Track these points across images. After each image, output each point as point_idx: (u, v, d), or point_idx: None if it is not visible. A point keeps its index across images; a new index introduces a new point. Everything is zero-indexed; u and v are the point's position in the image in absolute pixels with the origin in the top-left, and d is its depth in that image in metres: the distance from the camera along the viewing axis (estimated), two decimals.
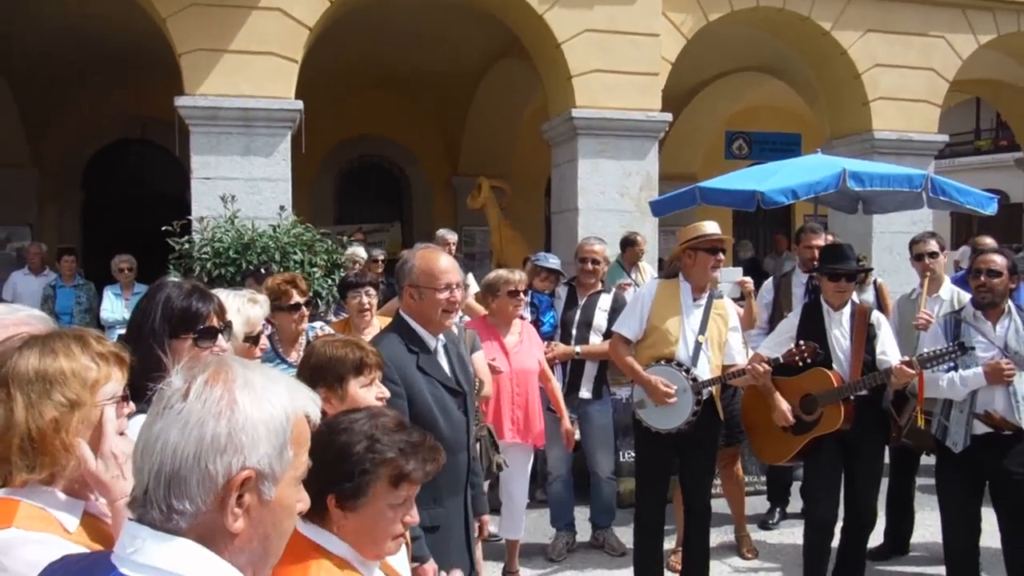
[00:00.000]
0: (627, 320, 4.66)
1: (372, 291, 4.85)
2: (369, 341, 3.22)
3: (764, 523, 6.09)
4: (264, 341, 3.16)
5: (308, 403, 1.25)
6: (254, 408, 1.17)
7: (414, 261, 3.11)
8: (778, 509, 6.18)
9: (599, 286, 5.72)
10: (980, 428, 4.21)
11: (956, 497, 4.37)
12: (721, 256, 4.54)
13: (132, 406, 1.79)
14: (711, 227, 4.54)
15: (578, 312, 5.58)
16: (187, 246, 7.37)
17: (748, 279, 6.20)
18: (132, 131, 13.38)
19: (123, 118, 13.13)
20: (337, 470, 1.79)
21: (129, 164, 13.70)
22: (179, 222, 7.40)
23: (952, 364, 4.26)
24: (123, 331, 2.95)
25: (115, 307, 8.53)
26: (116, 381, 1.68)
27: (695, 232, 4.54)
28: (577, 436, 5.73)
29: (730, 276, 6.49)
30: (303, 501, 1.28)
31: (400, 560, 2.13)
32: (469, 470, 3.22)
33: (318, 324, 4.85)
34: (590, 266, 5.60)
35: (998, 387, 4.15)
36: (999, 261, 4.26)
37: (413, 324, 3.10)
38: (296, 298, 4.20)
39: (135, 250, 9.07)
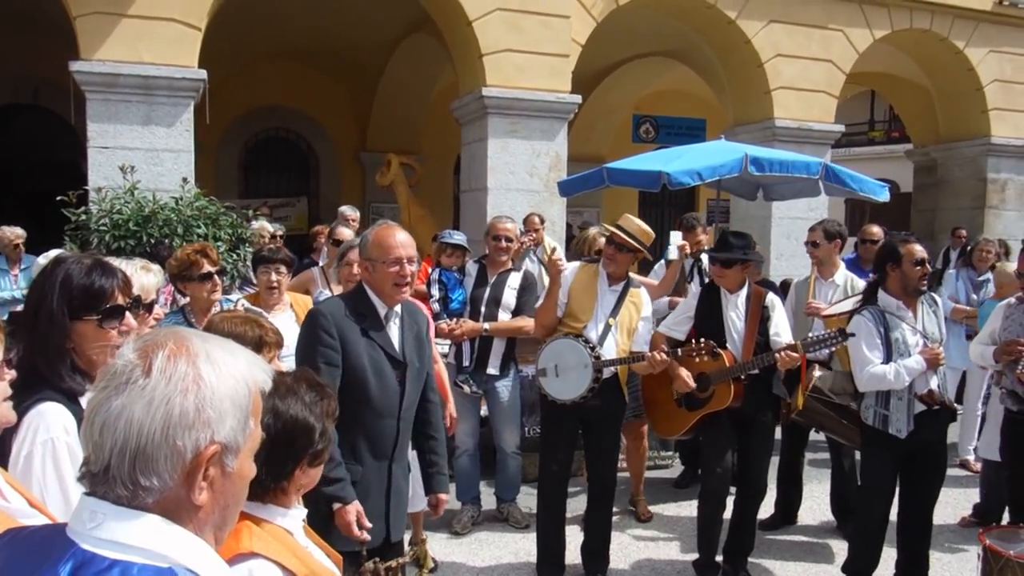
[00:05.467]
0: None
1: (283, 268, 4.74)
2: (323, 301, 3.34)
3: (678, 483, 6.52)
4: (158, 310, 3.10)
5: (264, 376, 1.26)
6: (220, 383, 1.16)
7: (370, 236, 3.26)
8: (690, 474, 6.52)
9: (509, 264, 5.79)
10: (916, 408, 4.35)
11: (882, 474, 4.49)
12: (611, 248, 4.65)
13: (13, 373, 1.76)
14: (624, 220, 4.69)
15: (487, 289, 5.64)
16: (84, 217, 7.11)
17: (685, 243, 6.41)
18: (23, 95, 12.77)
19: (14, 80, 12.50)
20: (306, 442, 1.93)
21: (20, 129, 13.06)
22: (75, 192, 7.13)
23: (831, 348, 4.46)
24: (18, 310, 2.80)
25: (2, 285, 7.80)
26: None
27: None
28: (484, 412, 5.83)
29: (675, 239, 6.67)
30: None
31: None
32: (397, 442, 3.25)
33: (236, 297, 4.76)
34: (503, 243, 5.66)
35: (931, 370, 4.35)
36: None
37: (368, 291, 3.25)
38: (207, 267, 4.13)
39: (27, 218, 8.64)
